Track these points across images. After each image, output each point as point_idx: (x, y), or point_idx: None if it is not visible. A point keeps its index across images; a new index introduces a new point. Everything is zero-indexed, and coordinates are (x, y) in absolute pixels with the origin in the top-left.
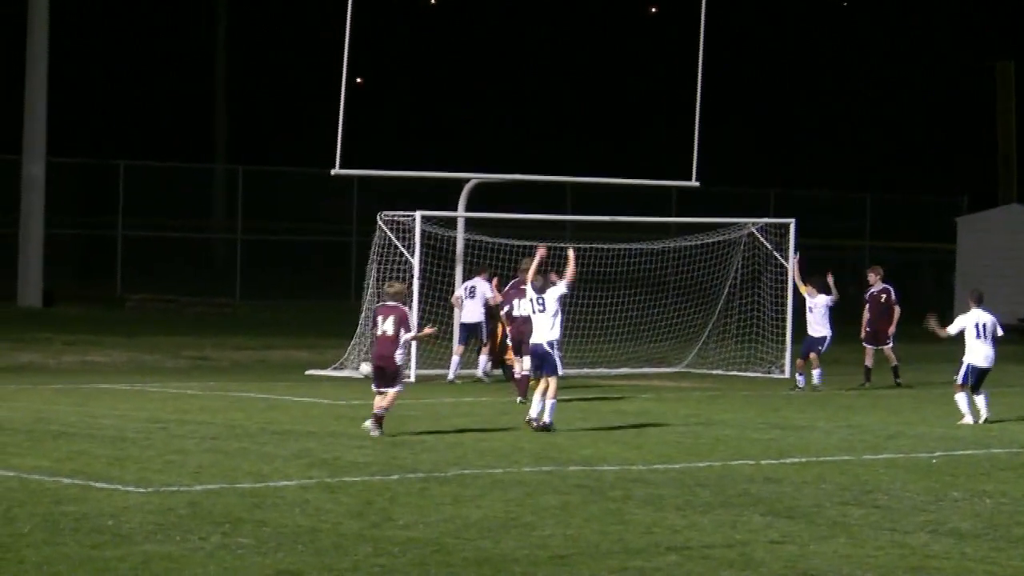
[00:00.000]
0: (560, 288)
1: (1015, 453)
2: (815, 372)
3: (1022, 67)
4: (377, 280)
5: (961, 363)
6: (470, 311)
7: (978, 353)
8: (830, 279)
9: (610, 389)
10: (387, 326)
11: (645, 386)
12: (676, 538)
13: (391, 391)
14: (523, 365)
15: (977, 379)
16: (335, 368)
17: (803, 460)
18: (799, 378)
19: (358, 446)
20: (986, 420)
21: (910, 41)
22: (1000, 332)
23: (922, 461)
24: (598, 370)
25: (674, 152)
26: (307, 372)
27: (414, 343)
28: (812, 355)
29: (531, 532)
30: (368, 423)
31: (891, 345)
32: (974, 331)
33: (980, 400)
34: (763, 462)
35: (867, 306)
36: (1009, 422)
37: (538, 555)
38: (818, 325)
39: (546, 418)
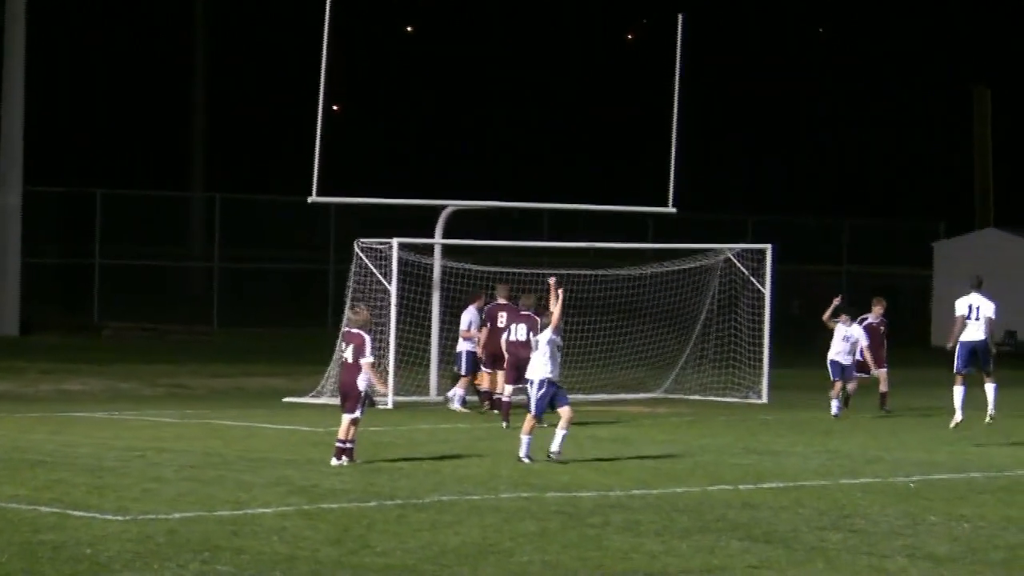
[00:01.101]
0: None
1: (992, 477)
2: (833, 403)
3: (997, 94)
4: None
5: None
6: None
7: (968, 332)
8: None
9: (587, 415)
10: (348, 353)
11: (622, 412)
12: (654, 564)
13: (345, 418)
14: (508, 390)
15: (969, 357)
16: (313, 396)
17: (781, 485)
18: (834, 403)
19: (336, 473)
20: (991, 418)
21: (887, 68)
22: (992, 315)
23: (900, 485)
24: (575, 396)
25: (651, 178)
26: (285, 400)
27: (390, 370)
28: (840, 383)
29: (509, 558)
30: (332, 460)
31: (886, 370)
32: (966, 311)
33: (989, 391)
34: (741, 487)
35: (865, 334)
36: (989, 446)
37: None
38: (847, 354)
39: (555, 447)
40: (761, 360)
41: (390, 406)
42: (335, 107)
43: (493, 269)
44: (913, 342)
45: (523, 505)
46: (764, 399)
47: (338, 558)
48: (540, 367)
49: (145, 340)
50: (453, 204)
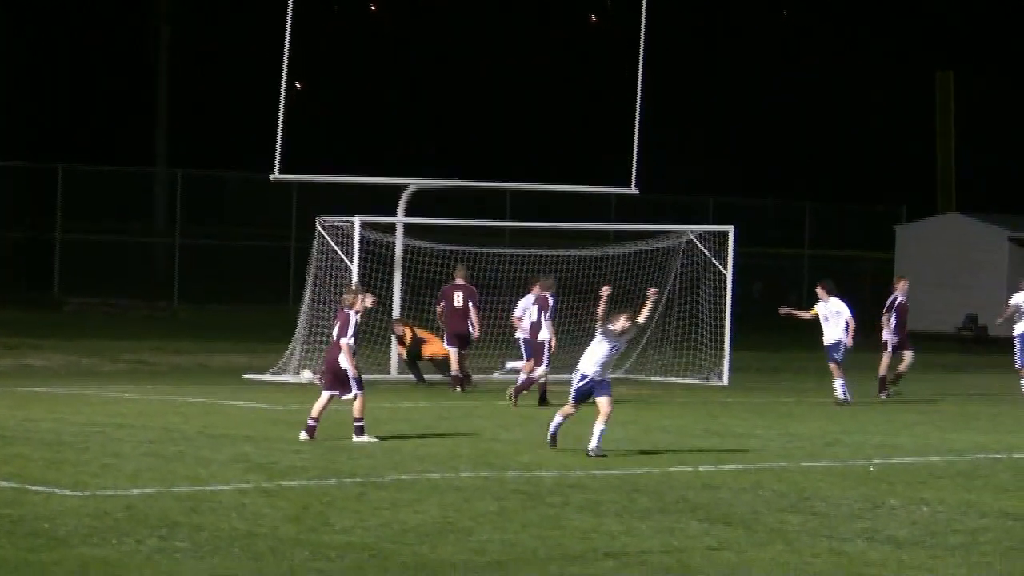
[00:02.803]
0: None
1: (952, 461)
2: (837, 383)
3: (960, 77)
4: (315, 285)
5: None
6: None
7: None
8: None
9: (548, 396)
10: (334, 331)
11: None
12: (614, 544)
13: (349, 398)
14: (540, 370)
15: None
16: (274, 373)
17: (741, 467)
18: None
19: (295, 451)
20: None
21: (850, 49)
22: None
23: (860, 469)
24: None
25: (614, 159)
26: (246, 376)
27: (349, 348)
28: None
29: (468, 537)
30: (354, 438)
31: (912, 351)
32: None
33: None
34: (701, 469)
35: (895, 315)
36: (950, 431)
37: (475, 561)
38: (844, 331)
39: (592, 444)
40: (722, 342)
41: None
42: (298, 84)
43: (455, 248)
44: (874, 327)
45: (483, 484)
46: (725, 381)
47: (297, 535)
48: (589, 363)
49: (106, 316)
50: (415, 183)
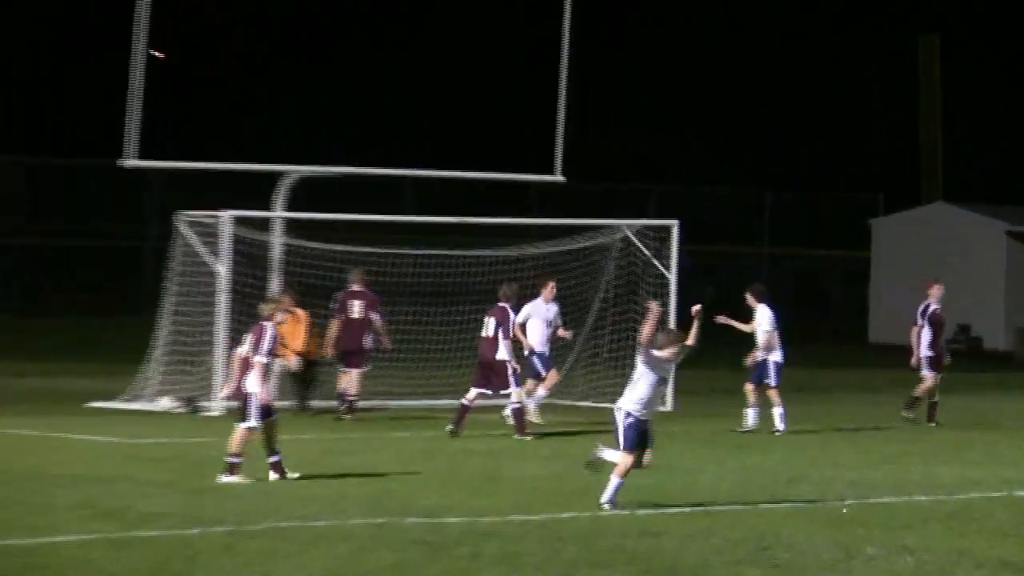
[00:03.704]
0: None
1: (940, 501)
2: (774, 411)
3: (948, 42)
4: (179, 292)
5: None
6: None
7: None
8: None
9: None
10: (245, 346)
11: (498, 421)
12: None
13: (239, 429)
14: (471, 395)
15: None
16: (126, 399)
17: (688, 509)
18: (749, 413)
19: (152, 494)
20: None
21: (817, 9)
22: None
23: (831, 510)
24: (442, 401)
25: (535, 141)
26: (90, 404)
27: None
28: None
29: None
30: (221, 477)
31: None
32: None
33: None
34: (640, 512)
35: (925, 326)
36: (937, 464)
37: None
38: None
39: (605, 498)
40: None
41: (217, 412)
42: (158, 53)
43: (346, 248)
44: (847, 339)
45: (377, 533)
46: (669, 406)
47: None
48: (632, 399)
49: None
50: (297, 170)
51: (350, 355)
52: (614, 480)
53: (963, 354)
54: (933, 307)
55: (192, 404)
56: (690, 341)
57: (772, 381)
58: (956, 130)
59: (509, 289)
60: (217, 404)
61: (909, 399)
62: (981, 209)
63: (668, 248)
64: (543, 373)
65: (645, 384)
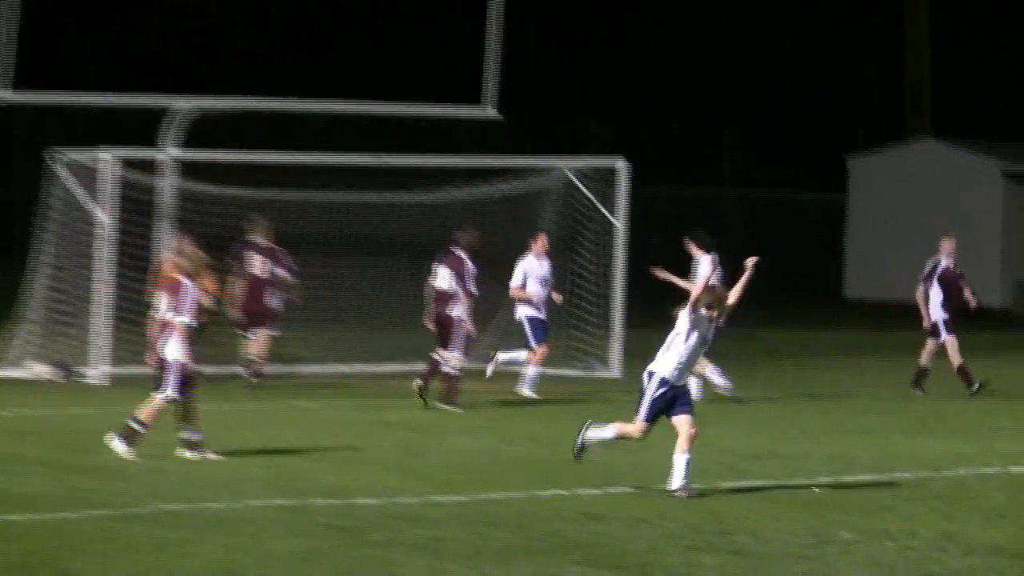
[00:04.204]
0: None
1: (926, 479)
2: (706, 370)
3: None
4: (55, 243)
5: None
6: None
7: None
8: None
9: (372, 393)
10: (160, 308)
11: (420, 389)
12: None
13: (155, 398)
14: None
15: None
16: None
17: (637, 489)
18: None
19: (24, 473)
20: None
21: None
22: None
23: (801, 490)
24: (355, 366)
25: (462, 69)
26: None
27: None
28: None
29: None
30: (113, 441)
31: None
32: None
33: None
34: (581, 492)
35: (939, 285)
36: (921, 437)
37: None
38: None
39: (677, 481)
40: (611, 319)
41: (96, 380)
42: None
43: (246, 193)
44: (821, 294)
45: (281, 517)
46: (615, 372)
47: None
48: (669, 363)
49: None
50: (188, 104)
51: (254, 317)
52: (609, 434)
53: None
54: (944, 264)
55: (68, 370)
56: (731, 300)
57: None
58: (946, 56)
59: (471, 237)
60: (96, 371)
61: (964, 367)
62: (974, 147)
63: (616, 191)
64: (534, 344)
65: (686, 346)
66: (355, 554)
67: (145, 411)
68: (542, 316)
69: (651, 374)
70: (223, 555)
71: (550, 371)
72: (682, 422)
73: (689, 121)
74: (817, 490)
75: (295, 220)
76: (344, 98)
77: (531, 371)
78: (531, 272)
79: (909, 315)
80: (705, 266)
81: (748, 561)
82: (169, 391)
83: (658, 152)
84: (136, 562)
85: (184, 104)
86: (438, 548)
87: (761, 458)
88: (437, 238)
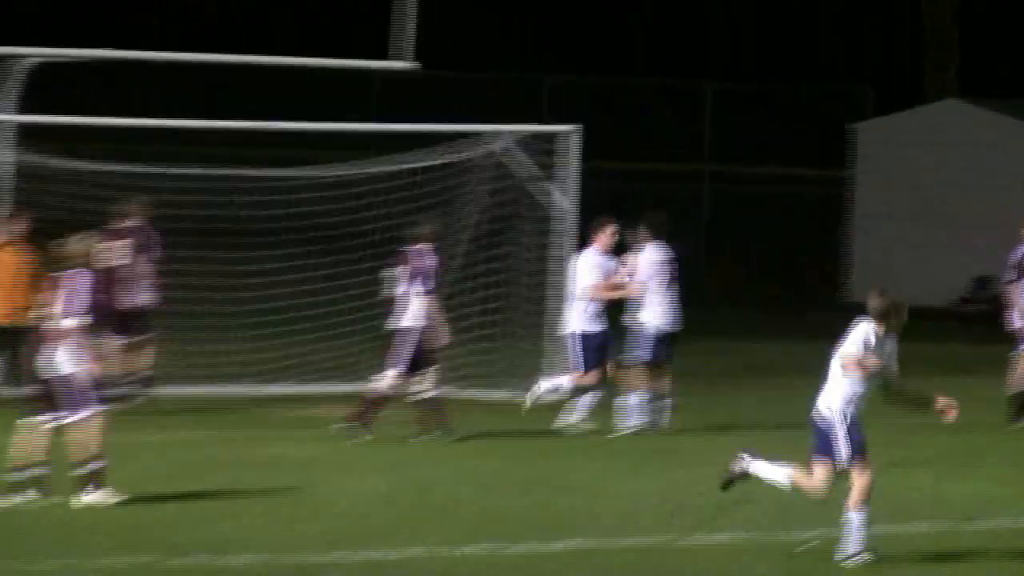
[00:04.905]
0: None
1: (951, 530)
2: (630, 399)
3: None
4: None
5: None
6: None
7: None
8: None
9: (258, 422)
10: (54, 310)
11: (320, 416)
12: None
13: (73, 419)
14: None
15: None
16: None
17: (584, 544)
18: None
19: None
20: None
21: None
22: None
23: (790, 544)
24: (243, 387)
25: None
26: None
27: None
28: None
29: None
30: (86, 496)
31: None
32: None
33: None
34: (514, 548)
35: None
36: (950, 480)
37: None
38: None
39: (853, 546)
40: (554, 326)
41: None
42: None
43: (111, 168)
44: (819, 294)
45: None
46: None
47: None
48: (830, 396)
49: None
50: (34, 54)
51: (124, 320)
52: (855, 517)
53: (983, 317)
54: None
55: None
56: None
57: (643, 353)
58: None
59: (426, 229)
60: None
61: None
62: (1009, 108)
63: (565, 165)
64: (583, 365)
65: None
66: None
67: (80, 447)
68: (600, 329)
69: (819, 412)
70: None
71: (477, 392)
72: (860, 474)
73: (660, 77)
74: (816, 542)
75: (162, 200)
76: (236, 51)
77: (586, 401)
78: (601, 270)
79: (920, 317)
80: (648, 255)
81: None
82: (93, 406)
83: (620, 114)
84: None
85: (25, 52)
86: None
87: (739, 504)
88: (340, 224)
